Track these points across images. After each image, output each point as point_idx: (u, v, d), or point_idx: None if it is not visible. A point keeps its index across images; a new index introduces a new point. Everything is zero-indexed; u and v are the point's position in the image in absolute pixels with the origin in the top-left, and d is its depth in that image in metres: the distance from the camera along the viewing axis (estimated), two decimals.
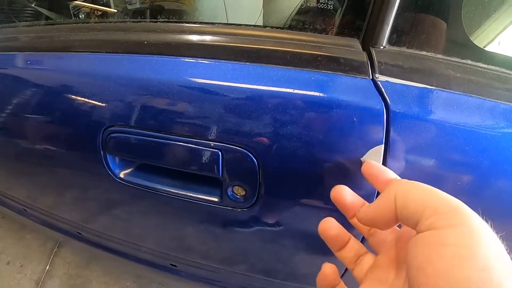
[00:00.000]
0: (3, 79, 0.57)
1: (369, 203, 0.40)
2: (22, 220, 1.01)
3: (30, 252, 1.45)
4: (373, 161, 0.40)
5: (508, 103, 0.43)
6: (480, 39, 0.47)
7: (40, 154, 0.61)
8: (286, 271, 0.62)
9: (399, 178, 0.37)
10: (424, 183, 0.43)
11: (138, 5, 1.18)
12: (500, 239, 0.24)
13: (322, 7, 0.47)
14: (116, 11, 1.12)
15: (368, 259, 0.36)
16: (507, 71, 0.47)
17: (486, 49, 0.47)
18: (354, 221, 0.38)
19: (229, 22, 0.83)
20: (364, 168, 0.39)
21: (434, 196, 0.27)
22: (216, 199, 0.50)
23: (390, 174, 0.37)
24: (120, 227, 0.71)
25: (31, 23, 0.66)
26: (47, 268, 1.39)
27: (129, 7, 1.19)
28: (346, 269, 0.51)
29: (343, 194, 0.38)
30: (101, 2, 1.21)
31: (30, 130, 0.59)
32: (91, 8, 1.12)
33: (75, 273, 1.36)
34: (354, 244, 0.37)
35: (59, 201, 0.76)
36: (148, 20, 0.53)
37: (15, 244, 1.48)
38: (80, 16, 1.10)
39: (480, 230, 0.24)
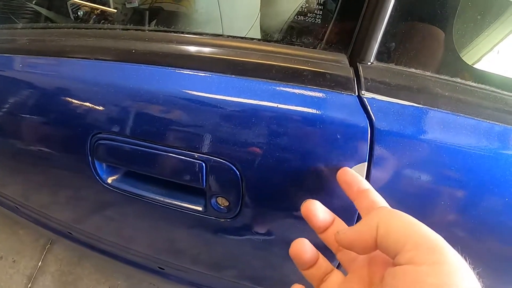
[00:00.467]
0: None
1: (345, 216, 0.40)
2: (15, 217, 1.02)
3: (23, 247, 1.46)
4: (349, 168, 0.41)
5: (497, 123, 0.44)
6: (470, 57, 0.47)
7: (32, 155, 0.62)
8: (271, 279, 0.63)
9: (372, 189, 0.38)
10: (407, 201, 0.44)
11: (136, 4, 1.18)
12: (476, 275, 0.25)
13: (311, 21, 0.48)
14: (115, 10, 1.12)
15: (335, 277, 0.36)
16: (497, 90, 0.47)
17: (476, 67, 0.48)
18: (323, 237, 0.38)
19: (226, 25, 0.83)
20: (339, 174, 0.40)
21: (417, 230, 0.27)
22: (200, 209, 0.50)
23: (364, 184, 0.38)
24: (109, 229, 0.72)
25: (25, 25, 0.66)
26: (39, 264, 1.41)
27: (128, 5, 1.20)
28: None
29: (314, 210, 0.38)
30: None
31: (22, 131, 0.60)
32: (90, 7, 1.12)
33: (67, 269, 1.37)
34: (322, 263, 0.37)
35: (50, 201, 0.77)
36: (136, 28, 0.54)
37: (8, 239, 1.50)
38: (79, 14, 1.10)
39: (459, 270, 0.24)
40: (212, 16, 0.89)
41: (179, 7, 0.93)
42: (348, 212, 0.44)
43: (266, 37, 0.60)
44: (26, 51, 0.57)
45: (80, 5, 1.12)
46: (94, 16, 1.15)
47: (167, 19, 0.94)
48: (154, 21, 0.91)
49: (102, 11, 1.12)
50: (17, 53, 0.58)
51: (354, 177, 0.39)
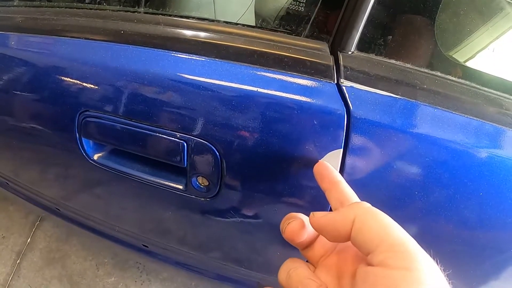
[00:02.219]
0: None
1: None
2: (5, 193, 1.06)
3: (12, 224, 1.52)
4: (325, 161, 0.44)
5: (474, 118, 0.46)
6: (451, 52, 0.50)
7: (22, 131, 0.65)
8: (252, 260, 0.67)
9: (343, 181, 0.40)
10: (380, 189, 0.47)
11: None
12: (446, 277, 0.27)
13: (296, 8, 0.50)
14: None
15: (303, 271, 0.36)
16: (477, 86, 0.50)
17: (457, 62, 0.50)
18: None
19: (218, 9, 0.85)
20: (315, 168, 0.43)
21: (392, 232, 0.28)
22: (181, 187, 0.54)
23: (336, 175, 0.40)
24: (94, 206, 0.76)
25: (19, 3, 0.69)
26: (28, 240, 1.46)
27: None
28: None
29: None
30: None
31: (12, 108, 0.63)
32: None
33: (55, 246, 1.43)
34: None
35: (39, 177, 0.80)
36: (125, 9, 0.56)
37: None
38: None
39: (430, 276, 0.25)
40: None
41: None
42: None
43: (258, 23, 0.63)
44: (19, 28, 0.60)
45: None
46: None
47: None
48: (147, 3, 0.93)
49: None
50: (10, 31, 0.61)
51: (327, 169, 0.42)
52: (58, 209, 0.89)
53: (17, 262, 1.41)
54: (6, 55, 0.59)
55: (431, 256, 0.28)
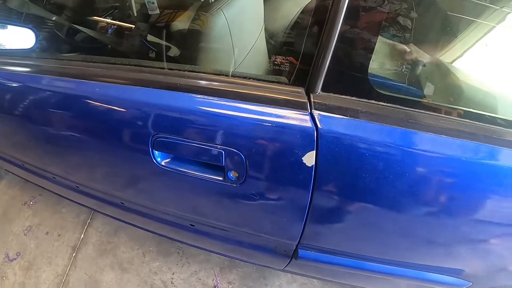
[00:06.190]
0: (88, 105, 1.05)
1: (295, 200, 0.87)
2: (56, 197, 1.53)
3: (66, 223, 1.99)
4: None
5: (396, 127, 0.87)
6: (380, 87, 0.91)
7: (115, 154, 1.13)
8: (268, 227, 1.11)
9: None
10: (342, 173, 0.89)
11: (158, 11, 1.65)
12: None
13: (284, 68, 0.93)
14: (133, 26, 1.59)
15: None
16: (399, 107, 0.91)
17: (384, 93, 0.91)
18: None
19: (235, 39, 1.27)
20: None
21: None
22: (221, 178, 0.98)
23: None
24: (158, 197, 1.22)
25: (97, 59, 1.14)
26: (81, 236, 1.93)
27: (150, 12, 1.67)
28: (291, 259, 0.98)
29: None
30: (127, 4, 1.71)
31: (111, 136, 1.09)
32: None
33: (106, 240, 1.90)
34: None
35: (118, 181, 1.28)
36: (179, 68, 1.00)
37: (52, 217, 2.03)
38: (109, 32, 1.58)
39: None
40: (222, 32, 1.31)
41: (194, 26, 1.34)
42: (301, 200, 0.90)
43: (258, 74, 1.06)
44: (102, 78, 1.05)
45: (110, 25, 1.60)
46: (112, 28, 1.62)
47: (183, 36, 1.37)
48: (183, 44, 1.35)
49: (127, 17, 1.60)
50: (95, 80, 1.05)
51: None
52: (123, 203, 1.34)
53: (73, 255, 1.88)
54: (94, 99, 1.04)
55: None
